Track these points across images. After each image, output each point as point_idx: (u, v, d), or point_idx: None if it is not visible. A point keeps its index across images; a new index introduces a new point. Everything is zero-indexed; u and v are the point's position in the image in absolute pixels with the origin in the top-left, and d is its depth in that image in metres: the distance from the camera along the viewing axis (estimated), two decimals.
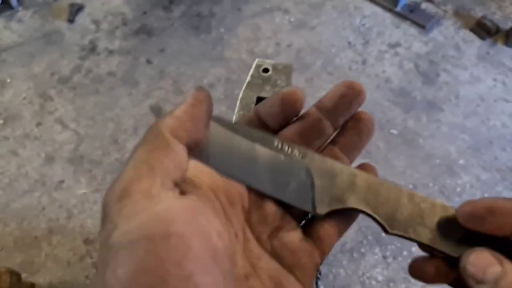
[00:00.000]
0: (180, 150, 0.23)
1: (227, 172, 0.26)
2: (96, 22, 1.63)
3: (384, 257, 1.05)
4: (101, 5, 1.68)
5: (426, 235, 0.25)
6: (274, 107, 0.28)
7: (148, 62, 1.49)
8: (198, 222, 0.20)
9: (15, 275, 0.92)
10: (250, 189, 0.27)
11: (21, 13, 1.66)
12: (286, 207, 0.28)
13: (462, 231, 0.25)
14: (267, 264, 0.25)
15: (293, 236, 0.27)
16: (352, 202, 0.26)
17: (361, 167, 0.30)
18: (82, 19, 1.64)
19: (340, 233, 0.29)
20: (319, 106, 0.29)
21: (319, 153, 0.29)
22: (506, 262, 0.23)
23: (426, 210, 0.26)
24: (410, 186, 1.20)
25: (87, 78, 1.44)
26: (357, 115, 0.30)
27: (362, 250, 1.05)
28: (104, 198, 0.21)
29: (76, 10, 1.65)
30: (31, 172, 1.23)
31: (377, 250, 1.05)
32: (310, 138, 0.29)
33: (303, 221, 0.29)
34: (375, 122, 0.30)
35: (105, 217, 0.20)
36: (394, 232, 0.26)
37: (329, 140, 0.30)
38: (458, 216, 0.25)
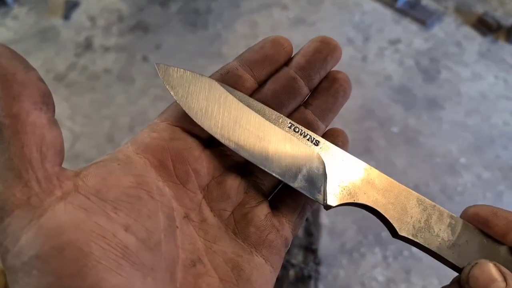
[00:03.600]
0: (38, 121, 0.19)
1: (234, 146, 0.25)
2: (92, 19, 1.60)
3: (384, 257, 1.03)
4: (97, 2, 1.66)
5: (434, 242, 0.25)
6: (259, 52, 0.27)
7: (145, 59, 1.47)
8: (93, 223, 0.18)
9: None
10: (212, 163, 0.25)
11: (16, 10, 1.64)
12: (254, 181, 0.26)
13: (471, 242, 0.25)
14: (225, 245, 0.24)
15: (258, 211, 0.25)
16: (364, 198, 0.25)
17: (330, 131, 0.28)
18: (78, 15, 1.61)
19: (312, 204, 0.28)
20: (292, 64, 0.27)
21: (293, 116, 0.28)
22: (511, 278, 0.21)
23: (434, 217, 0.25)
24: (411, 185, 1.18)
25: (82, 75, 1.42)
26: (332, 75, 0.28)
27: (362, 250, 1.03)
28: None
29: (71, 6, 1.63)
30: None
31: (377, 250, 1.04)
32: (283, 99, 0.27)
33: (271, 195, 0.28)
34: (351, 83, 0.28)
35: None
36: (404, 235, 0.25)
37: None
38: (463, 216, 0.25)
